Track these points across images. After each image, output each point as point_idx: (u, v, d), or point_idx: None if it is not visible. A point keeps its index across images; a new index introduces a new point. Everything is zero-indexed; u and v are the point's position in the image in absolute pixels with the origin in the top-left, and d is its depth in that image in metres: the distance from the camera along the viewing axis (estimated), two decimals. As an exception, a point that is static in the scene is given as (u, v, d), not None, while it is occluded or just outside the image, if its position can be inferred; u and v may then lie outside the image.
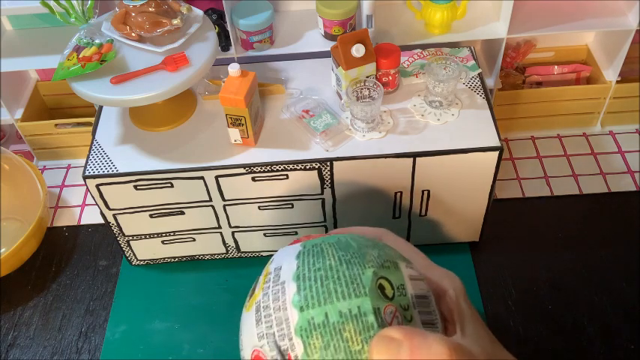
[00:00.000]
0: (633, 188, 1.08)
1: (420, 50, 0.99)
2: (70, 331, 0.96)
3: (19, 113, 1.15)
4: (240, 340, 0.49)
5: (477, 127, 0.87)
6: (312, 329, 0.39)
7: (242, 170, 0.87)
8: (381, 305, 0.40)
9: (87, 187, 0.90)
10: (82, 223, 1.11)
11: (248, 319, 0.46)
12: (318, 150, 0.87)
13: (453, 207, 0.94)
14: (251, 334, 0.44)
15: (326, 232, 0.98)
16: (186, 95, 0.95)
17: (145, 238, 0.98)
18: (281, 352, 0.40)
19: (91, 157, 0.89)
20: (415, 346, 0.36)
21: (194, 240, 0.99)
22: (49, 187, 1.17)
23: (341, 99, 0.93)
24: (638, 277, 0.95)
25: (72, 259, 1.06)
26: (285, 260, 0.46)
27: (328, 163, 0.86)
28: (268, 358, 0.42)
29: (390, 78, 0.91)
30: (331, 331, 0.39)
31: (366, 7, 0.99)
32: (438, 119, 0.89)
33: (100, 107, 0.97)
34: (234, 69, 0.83)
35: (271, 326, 0.42)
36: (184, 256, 1.03)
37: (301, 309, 0.40)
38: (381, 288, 0.41)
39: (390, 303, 0.41)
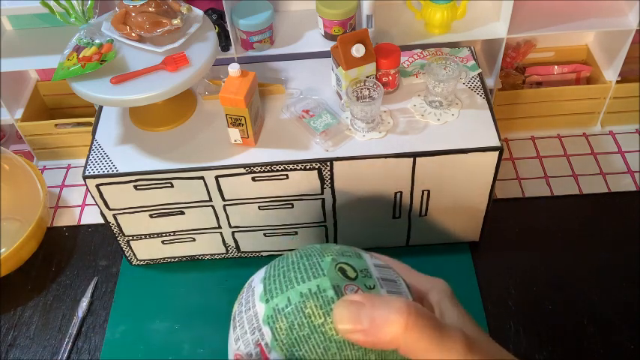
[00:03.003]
0: (633, 188, 1.08)
1: (420, 50, 0.99)
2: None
3: (19, 113, 1.15)
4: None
5: (477, 127, 0.87)
6: (276, 314, 0.41)
7: (242, 170, 0.87)
8: (341, 284, 0.42)
9: (87, 187, 0.90)
10: (82, 223, 1.11)
11: (229, 334, 0.48)
12: (318, 150, 0.87)
13: (453, 207, 0.94)
14: (230, 343, 0.46)
15: (326, 231, 0.98)
16: (186, 95, 0.95)
17: (145, 238, 0.98)
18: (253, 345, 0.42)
19: (91, 157, 0.89)
20: (376, 305, 0.37)
21: (194, 240, 0.99)
22: (49, 187, 1.17)
23: (341, 99, 0.93)
24: (638, 277, 0.95)
25: (72, 259, 1.06)
26: (257, 273, 0.48)
27: (328, 163, 0.86)
28: (245, 357, 0.43)
29: (390, 78, 0.91)
30: (294, 311, 0.40)
31: (366, 7, 0.99)
32: (438, 119, 0.89)
33: (100, 107, 0.97)
34: (234, 69, 0.83)
35: (243, 326, 0.43)
36: (184, 256, 1.03)
37: (267, 301, 0.42)
38: (342, 270, 0.43)
39: (352, 283, 0.42)
